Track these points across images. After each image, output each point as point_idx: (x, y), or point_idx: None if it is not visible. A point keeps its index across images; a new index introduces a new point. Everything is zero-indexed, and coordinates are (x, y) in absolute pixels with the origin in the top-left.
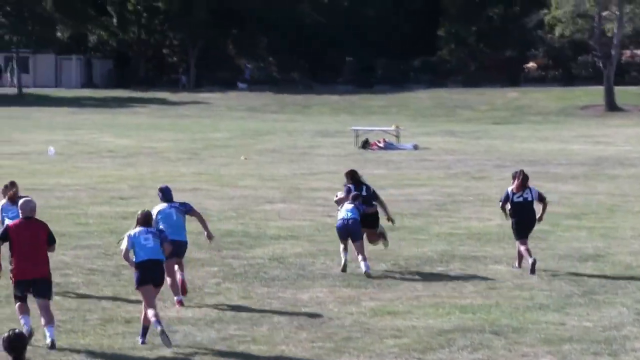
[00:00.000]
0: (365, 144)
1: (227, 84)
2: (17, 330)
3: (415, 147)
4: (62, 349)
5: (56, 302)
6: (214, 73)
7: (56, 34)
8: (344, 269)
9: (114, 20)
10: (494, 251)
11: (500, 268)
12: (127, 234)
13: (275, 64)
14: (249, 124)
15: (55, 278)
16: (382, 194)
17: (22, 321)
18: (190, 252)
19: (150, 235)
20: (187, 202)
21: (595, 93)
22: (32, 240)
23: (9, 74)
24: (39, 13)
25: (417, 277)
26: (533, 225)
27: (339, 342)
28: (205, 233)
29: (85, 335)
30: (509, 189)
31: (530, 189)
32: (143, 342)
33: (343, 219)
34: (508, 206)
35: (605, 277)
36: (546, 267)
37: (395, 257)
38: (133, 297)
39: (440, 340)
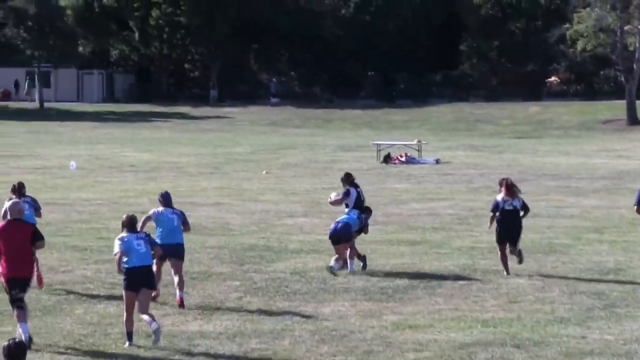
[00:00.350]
0: (387, 159)
1: (249, 99)
2: (17, 340)
3: (437, 162)
4: None
5: (78, 316)
6: (236, 87)
7: (78, 49)
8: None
9: (136, 35)
10: (515, 265)
11: (522, 282)
12: (118, 237)
13: (296, 79)
14: (270, 139)
15: (78, 292)
16: (404, 208)
17: (20, 329)
18: (212, 267)
19: (141, 241)
20: (184, 212)
21: (617, 107)
22: (24, 243)
23: (26, 88)
24: (61, 28)
25: (438, 290)
26: (520, 233)
27: (361, 356)
28: None
29: (107, 349)
30: (499, 198)
31: (520, 198)
32: (130, 344)
33: (335, 223)
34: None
35: (627, 291)
36: (567, 280)
37: (417, 270)
38: (154, 312)
39: (461, 354)
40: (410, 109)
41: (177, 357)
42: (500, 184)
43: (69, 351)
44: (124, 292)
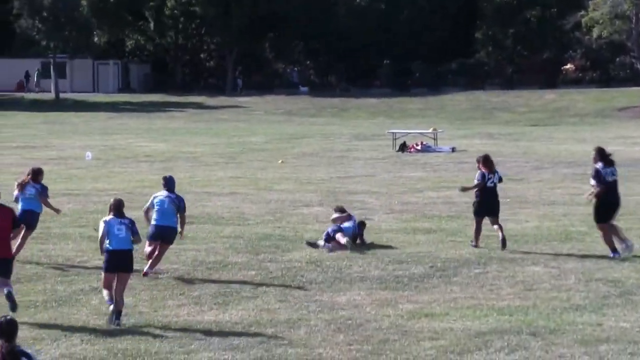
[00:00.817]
0: (403, 147)
1: (264, 88)
2: (8, 317)
3: (453, 150)
4: (99, 352)
5: (93, 306)
6: (251, 77)
7: (93, 39)
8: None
9: (151, 25)
10: (531, 253)
11: (538, 269)
12: (103, 220)
13: (312, 68)
14: (286, 128)
15: (93, 283)
16: (420, 197)
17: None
18: (228, 256)
19: (123, 227)
20: (183, 199)
21: (633, 94)
22: (5, 226)
23: (36, 79)
24: (76, 18)
25: (454, 279)
26: (499, 207)
27: (376, 345)
28: (180, 231)
29: (122, 340)
30: (484, 171)
31: (496, 172)
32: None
33: (328, 229)
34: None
35: None
36: (583, 268)
37: (433, 259)
38: (170, 302)
39: (477, 342)
40: (426, 98)
41: (193, 346)
42: (478, 161)
43: (85, 342)
44: (102, 273)
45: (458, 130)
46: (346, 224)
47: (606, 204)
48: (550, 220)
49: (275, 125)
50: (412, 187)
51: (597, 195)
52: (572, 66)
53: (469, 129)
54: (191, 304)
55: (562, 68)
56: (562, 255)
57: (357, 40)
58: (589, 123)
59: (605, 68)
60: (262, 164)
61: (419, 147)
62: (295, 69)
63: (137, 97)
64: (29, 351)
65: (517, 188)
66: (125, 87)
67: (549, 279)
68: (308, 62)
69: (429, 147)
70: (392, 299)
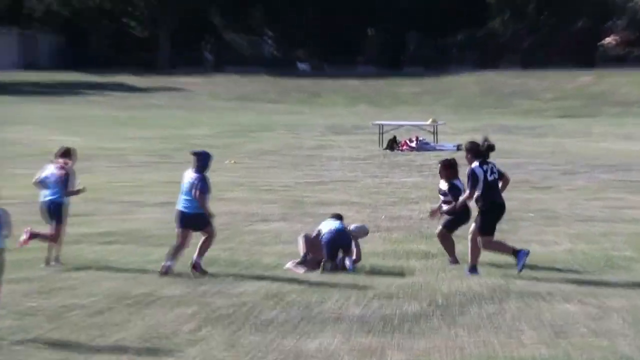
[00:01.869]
0: (393, 144)
1: (211, 65)
2: None
3: (458, 148)
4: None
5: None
6: (195, 51)
7: None
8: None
9: None
10: (561, 285)
11: (571, 307)
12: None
13: (273, 38)
14: (238, 117)
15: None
16: (414, 210)
17: None
18: (158, 288)
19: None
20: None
21: None
22: None
23: None
24: None
25: (460, 319)
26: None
27: None
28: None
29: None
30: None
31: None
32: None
33: (329, 232)
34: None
35: None
36: (631, 306)
37: (432, 292)
38: (83, 348)
39: None
40: (423, 79)
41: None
42: (446, 166)
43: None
44: None
45: (464, 122)
46: (334, 226)
47: (493, 208)
48: (587, 242)
49: (224, 114)
50: (405, 196)
51: (460, 206)
52: (613, 39)
53: (479, 120)
54: (106, 352)
55: (601, 42)
56: (602, 288)
57: (334, 4)
58: (636, 114)
59: None
60: None
61: (413, 144)
62: (268, 40)
63: (46, 75)
64: None
65: (543, 199)
66: (30, 64)
67: (585, 320)
68: (268, 32)
69: (427, 143)
70: (378, 346)
